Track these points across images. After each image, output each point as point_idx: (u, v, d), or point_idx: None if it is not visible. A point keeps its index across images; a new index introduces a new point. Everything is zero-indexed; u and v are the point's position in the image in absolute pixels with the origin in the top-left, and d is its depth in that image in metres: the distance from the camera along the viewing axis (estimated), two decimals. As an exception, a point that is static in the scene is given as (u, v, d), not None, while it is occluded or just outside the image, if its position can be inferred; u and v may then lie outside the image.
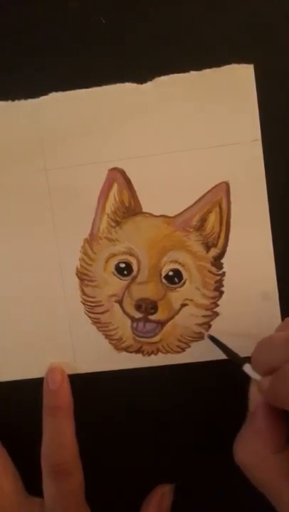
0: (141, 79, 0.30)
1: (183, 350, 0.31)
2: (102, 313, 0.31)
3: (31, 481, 0.31)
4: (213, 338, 0.30)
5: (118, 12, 0.30)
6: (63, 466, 0.30)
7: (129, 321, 0.31)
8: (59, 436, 0.30)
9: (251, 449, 0.24)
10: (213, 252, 0.31)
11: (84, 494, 0.30)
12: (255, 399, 0.25)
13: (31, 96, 0.30)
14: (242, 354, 0.31)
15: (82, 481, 0.30)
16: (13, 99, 0.30)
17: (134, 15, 0.30)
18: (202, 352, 0.31)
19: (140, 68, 0.30)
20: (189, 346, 0.31)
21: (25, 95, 0.30)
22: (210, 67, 0.30)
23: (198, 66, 0.30)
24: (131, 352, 0.32)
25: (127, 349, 0.31)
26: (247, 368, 0.27)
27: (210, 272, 0.31)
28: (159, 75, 0.30)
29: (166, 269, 0.31)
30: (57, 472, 0.29)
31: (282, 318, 0.31)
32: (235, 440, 0.25)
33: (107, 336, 0.32)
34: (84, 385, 0.31)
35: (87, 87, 0.30)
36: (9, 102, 0.30)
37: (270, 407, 0.24)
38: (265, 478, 0.24)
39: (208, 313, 0.31)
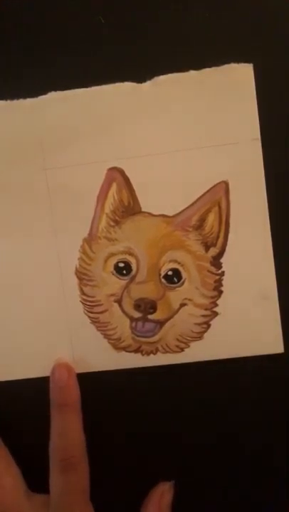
0: (140, 78, 0.30)
1: (182, 350, 0.31)
2: (101, 312, 0.31)
3: (34, 478, 0.31)
4: None
5: (118, 12, 0.30)
6: (71, 460, 0.30)
7: (128, 321, 0.31)
8: (67, 431, 0.30)
9: None
10: (213, 251, 0.31)
11: (89, 491, 0.30)
12: None
13: (30, 95, 0.30)
14: (240, 354, 0.31)
15: (88, 477, 0.30)
16: (12, 99, 0.30)
17: (134, 15, 0.30)
18: (201, 352, 0.31)
19: (139, 67, 0.30)
20: (188, 346, 0.31)
21: (25, 95, 0.30)
22: (209, 66, 0.30)
23: (198, 65, 0.30)
24: (130, 351, 0.31)
25: (125, 349, 0.31)
26: None
27: (209, 271, 0.31)
28: (158, 74, 0.30)
29: (166, 268, 0.31)
30: (65, 466, 0.30)
31: (282, 318, 0.31)
32: None
33: (106, 336, 0.31)
34: (82, 384, 0.31)
35: (86, 87, 0.30)
36: (8, 102, 0.30)
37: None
38: None
39: (208, 312, 0.31)
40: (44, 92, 0.30)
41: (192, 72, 0.30)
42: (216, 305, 0.31)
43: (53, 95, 0.30)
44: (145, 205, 0.31)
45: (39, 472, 0.30)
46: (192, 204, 0.30)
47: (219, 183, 0.30)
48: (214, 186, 0.30)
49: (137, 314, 0.31)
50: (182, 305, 0.31)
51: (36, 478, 0.31)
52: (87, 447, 0.30)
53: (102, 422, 0.32)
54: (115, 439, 0.32)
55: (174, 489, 0.31)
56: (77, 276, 0.31)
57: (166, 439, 0.32)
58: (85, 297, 0.31)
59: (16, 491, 0.31)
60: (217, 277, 0.31)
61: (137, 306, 0.31)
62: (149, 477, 0.32)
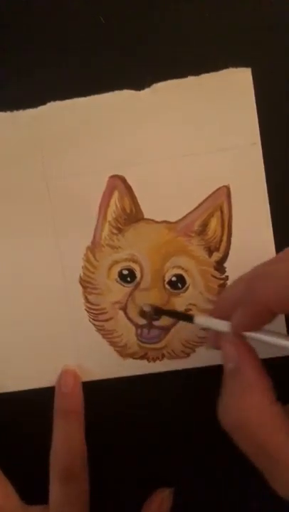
0: (138, 85, 0.30)
1: (188, 355, 0.31)
2: (107, 320, 0.31)
3: (36, 488, 0.31)
4: (158, 311, 0.30)
5: (117, 13, 0.30)
6: (73, 470, 0.29)
7: (133, 328, 0.31)
8: (69, 439, 0.30)
9: (246, 406, 0.23)
10: (216, 256, 0.31)
11: (88, 501, 0.30)
12: (233, 353, 0.24)
13: (30, 106, 0.30)
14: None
15: (88, 489, 0.30)
16: (11, 110, 0.30)
17: (131, 24, 0.30)
18: (207, 356, 0.31)
19: (137, 75, 0.30)
20: (194, 351, 0.31)
21: (24, 106, 0.30)
22: (207, 71, 0.30)
23: (196, 71, 0.30)
24: (136, 358, 0.32)
25: (132, 356, 0.32)
26: (200, 319, 0.27)
27: (213, 276, 0.31)
28: (157, 81, 0.30)
29: (169, 274, 0.31)
30: (66, 476, 0.29)
31: (286, 319, 0.31)
32: (220, 405, 0.24)
33: (111, 343, 0.32)
34: (89, 392, 0.31)
35: (85, 96, 0.30)
36: (8, 113, 0.30)
37: (254, 355, 0.24)
38: (263, 437, 0.22)
39: (213, 317, 0.31)
40: (43, 102, 0.30)
41: (190, 78, 0.30)
42: (221, 309, 0.31)
43: (52, 105, 0.30)
44: (147, 211, 0.31)
45: (37, 482, 0.30)
46: (194, 209, 0.30)
47: (220, 187, 0.30)
48: (216, 191, 0.30)
49: (142, 321, 0.31)
50: (187, 310, 0.31)
51: (38, 489, 0.30)
52: (93, 454, 0.30)
53: (109, 429, 0.32)
54: (124, 445, 0.32)
55: (174, 496, 0.31)
56: (82, 285, 0.31)
57: (174, 443, 0.32)
58: (89, 305, 0.31)
59: (7, 505, 0.30)
60: (221, 282, 0.31)
61: (142, 313, 0.31)
62: (156, 483, 0.32)
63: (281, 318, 0.31)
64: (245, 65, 0.29)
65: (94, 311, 0.31)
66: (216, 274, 0.31)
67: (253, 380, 0.23)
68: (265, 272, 0.23)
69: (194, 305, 0.31)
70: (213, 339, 0.26)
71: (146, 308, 0.30)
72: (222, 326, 0.25)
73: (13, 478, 0.32)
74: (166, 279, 0.31)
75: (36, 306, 0.32)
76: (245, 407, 0.23)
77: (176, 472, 0.32)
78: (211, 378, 0.31)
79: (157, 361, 0.31)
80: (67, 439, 0.30)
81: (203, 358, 0.31)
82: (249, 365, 0.23)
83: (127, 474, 0.32)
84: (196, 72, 0.30)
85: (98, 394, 0.32)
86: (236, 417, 0.23)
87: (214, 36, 0.30)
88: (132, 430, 0.32)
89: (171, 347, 0.31)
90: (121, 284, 0.31)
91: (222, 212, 0.30)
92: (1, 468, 0.32)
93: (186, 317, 0.28)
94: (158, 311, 0.30)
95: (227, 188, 0.30)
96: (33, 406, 0.32)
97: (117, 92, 0.30)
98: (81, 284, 0.31)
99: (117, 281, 0.31)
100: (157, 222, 0.31)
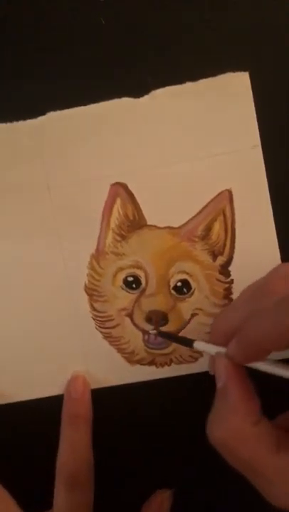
0: (136, 93, 0.30)
1: (195, 359, 0.31)
2: (113, 327, 0.31)
3: (32, 498, 0.30)
4: (162, 334, 0.31)
5: (114, 29, 0.30)
6: (78, 477, 0.29)
7: (140, 334, 0.31)
8: (77, 445, 0.30)
9: (229, 426, 0.23)
10: (220, 260, 0.31)
11: (92, 508, 0.30)
12: (222, 373, 0.24)
13: (29, 117, 0.30)
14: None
15: (92, 497, 0.30)
16: (11, 121, 0.30)
17: (129, 32, 0.30)
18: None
19: (136, 82, 0.30)
20: (202, 355, 0.31)
21: (24, 116, 0.30)
22: (206, 76, 0.30)
23: (194, 76, 0.30)
24: (144, 364, 0.32)
25: (140, 362, 0.32)
26: (199, 345, 0.27)
27: (218, 280, 0.31)
28: (156, 86, 0.30)
29: (175, 279, 0.31)
30: (72, 483, 0.29)
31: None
32: (208, 421, 0.24)
33: (119, 350, 0.32)
34: (98, 400, 0.32)
35: (84, 105, 0.30)
36: (8, 124, 0.30)
37: (242, 377, 0.24)
38: (246, 455, 0.23)
39: (219, 321, 0.31)
40: (43, 112, 0.30)
41: (189, 84, 0.30)
42: (227, 313, 0.31)
43: (52, 115, 0.30)
44: (150, 218, 0.31)
45: (41, 491, 0.30)
46: (197, 214, 0.31)
47: (223, 191, 0.30)
48: (218, 195, 0.30)
49: (148, 327, 0.31)
50: (193, 315, 0.31)
51: (38, 497, 0.30)
52: (101, 457, 0.30)
53: (116, 433, 0.32)
54: (133, 451, 0.32)
55: (174, 496, 0.31)
56: (87, 293, 0.31)
57: (179, 446, 0.32)
58: (96, 313, 0.32)
59: None
60: (226, 285, 0.31)
61: (149, 319, 0.31)
62: (159, 485, 0.32)
63: None
64: (245, 67, 0.29)
65: (100, 319, 0.31)
66: (221, 278, 0.31)
67: (237, 401, 0.24)
68: (255, 314, 0.23)
69: (200, 309, 0.31)
70: (213, 364, 0.27)
71: (152, 332, 0.31)
72: (219, 351, 0.26)
73: (13, 487, 0.31)
74: (172, 285, 0.31)
75: (42, 315, 0.32)
76: (227, 428, 0.23)
77: (179, 474, 0.32)
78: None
79: (165, 366, 0.32)
80: (74, 445, 0.30)
81: (211, 362, 0.31)
82: (236, 386, 0.24)
83: (131, 477, 0.32)
84: (194, 78, 0.30)
85: (106, 400, 0.32)
86: (219, 436, 0.24)
87: (211, 41, 0.30)
88: (138, 434, 0.32)
89: (179, 352, 0.31)
90: (126, 291, 0.31)
91: (225, 216, 0.31)
92: (2, 477, 0.32)
93: (186, 342, 0.28)
94: (161, 334, 0.31)
95: (229, 191, 0.30)
96: (38, 414, 0.32)
97: (116, 100, 0.30)
98: (86, 291, 0.31)
99: (123, 288, 0.31)
100: (160, 228, 0.31)
